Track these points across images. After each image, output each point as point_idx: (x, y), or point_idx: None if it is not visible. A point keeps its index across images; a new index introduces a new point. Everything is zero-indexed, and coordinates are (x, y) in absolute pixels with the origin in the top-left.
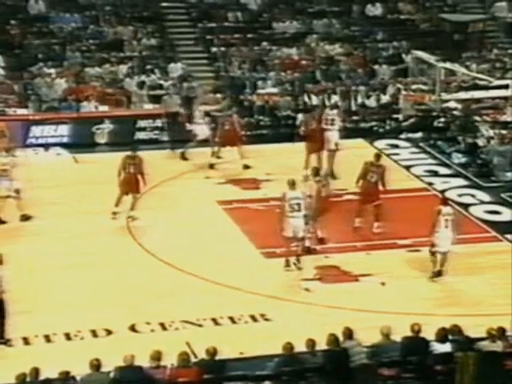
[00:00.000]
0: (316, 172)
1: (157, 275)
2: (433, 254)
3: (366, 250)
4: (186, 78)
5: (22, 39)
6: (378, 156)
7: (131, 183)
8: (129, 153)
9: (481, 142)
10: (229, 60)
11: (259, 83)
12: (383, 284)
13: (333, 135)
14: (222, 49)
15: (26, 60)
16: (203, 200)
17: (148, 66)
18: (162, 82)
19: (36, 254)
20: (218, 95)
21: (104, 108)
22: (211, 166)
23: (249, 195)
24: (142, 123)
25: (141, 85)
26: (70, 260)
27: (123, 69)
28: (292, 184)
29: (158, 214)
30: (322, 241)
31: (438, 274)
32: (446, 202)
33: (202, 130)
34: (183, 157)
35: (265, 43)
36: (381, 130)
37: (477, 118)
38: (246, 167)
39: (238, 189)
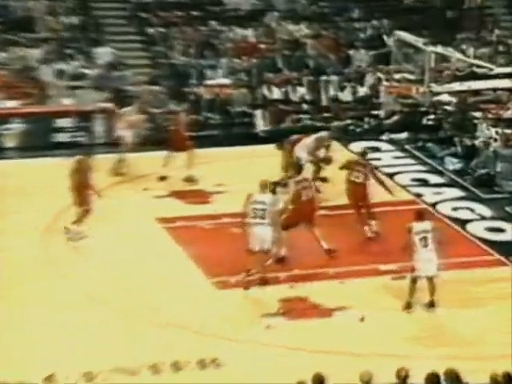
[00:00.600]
0: (298, 170)
1: (82, 314)
2: (413, 280)
3: (340, 277)
4: (116, 65)
5: None
6: (364, 153)
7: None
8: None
9: (480, 143)
10: (169, 44)
11: (207, 72)
12: (362, 319)
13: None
14: (161, 30)
15: None
16: (139, 217)
17: (68, 51)
18: (85, 70)
19: None
20: (155, 87)
21: (12, 103)
22: (162, 179)
23: (196, 211)
24: (60, 122)
25: (59, 74)
26: None
27: (36, 54)
28: (264, 187)
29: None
30: (281, 260)
31: (430, 304)
32: (420, 216)
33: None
34: (117, 172)
35: (214, 23)
36: (358, 130)
37: (475, 115)
38: (190, 180)
39: (183, 203)
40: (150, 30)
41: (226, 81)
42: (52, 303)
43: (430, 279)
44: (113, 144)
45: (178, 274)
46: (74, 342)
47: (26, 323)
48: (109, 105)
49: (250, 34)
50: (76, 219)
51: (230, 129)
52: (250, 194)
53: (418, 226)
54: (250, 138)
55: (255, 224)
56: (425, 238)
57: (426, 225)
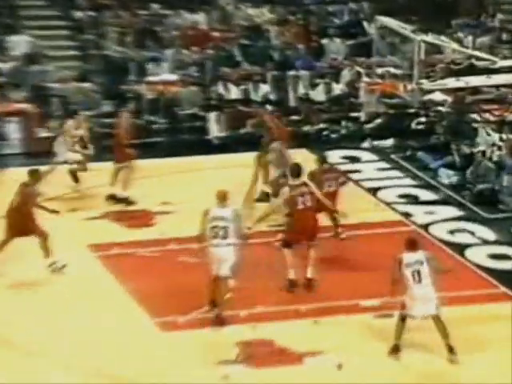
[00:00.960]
0: (297, 172)
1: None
2: (403, 319)
3: (314, 315)
4: (36, 58)
5: None
6: (322, 158)
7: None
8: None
9: (481, 152)
10: (102, 31)
11: (149, 66)
12: (340, 367)
13: None
14: (91, 14)
15: None
16: (68, 244)
17: None
18: None
19: None
20: (86, 85)
21: None
22: (111, 198)
23: (137, 236)
24: None
25: None
26: None
27: None
28: (222, 198)
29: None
30: (294, 285)
31: (450, 350)
32: (412, 245)
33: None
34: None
35: (156, 5)
36: (333, 136)
37: (474, 117)
38: (112, 198)
39: (121, 226)
40: (78, 14)
41: (173, 77)
42: None
43: (436, 319)
44: (32, 154)
45: (115, 314)
46: None
47: None
48: (27, 106)
49: (201, 19)
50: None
51: (178, 135)
52: (206, 210)
53: (409, 257)
54: (202, 146)
55: (214, 245)
56: (418, 272)
57: (420, 255)
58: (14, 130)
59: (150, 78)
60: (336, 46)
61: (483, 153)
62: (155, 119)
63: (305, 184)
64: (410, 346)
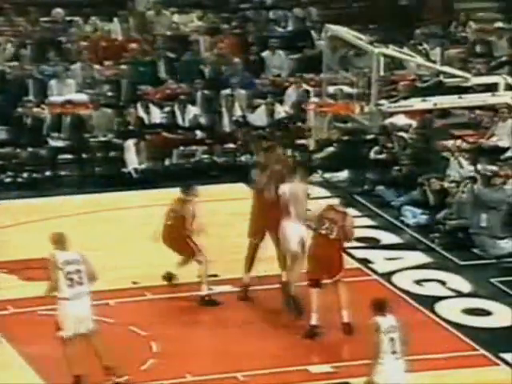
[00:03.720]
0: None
1: None
2: None
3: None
4: None
5: None
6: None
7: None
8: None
9: (453, 186)
10: None
11: (52, 83)
12: None
13: None
14: None
15: None
16: None
17: None
18: None
19: None
20: None
21: None
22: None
23: (35, 290)
24: None
25: None
26: None
27: None
28: (58, 241)
29: None
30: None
31: None
32: (383, 307)
33: None
34: None
35: (59, 10)
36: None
37: (445, 144)
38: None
39: (17, 279)
40: None
41: (81, 96)
42: None
43: None
44: None
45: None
46: None
47: None
48: None
49: (115, 27)
50: None
51: (88, 168)
52: (51, 254)
53: (384, 321)
54: (118, 180)
55: (71, 297)
56: (392, 340)
57: (392, 320)
58: None
59: (53, 99)
60: (279, 60)
61: (457, 186)
62: (60, 148)
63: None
64: None
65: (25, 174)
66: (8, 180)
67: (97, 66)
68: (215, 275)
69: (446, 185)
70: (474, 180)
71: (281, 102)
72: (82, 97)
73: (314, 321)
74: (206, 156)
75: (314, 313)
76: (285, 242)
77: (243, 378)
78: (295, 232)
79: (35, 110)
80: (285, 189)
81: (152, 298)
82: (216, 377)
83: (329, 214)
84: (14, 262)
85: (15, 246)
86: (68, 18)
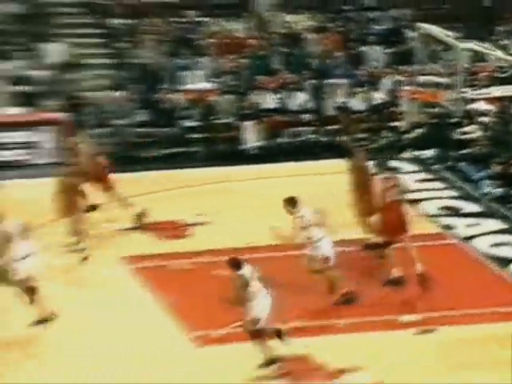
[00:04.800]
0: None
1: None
2: None
3: (352, 330)
4: (70, 66)
5: None
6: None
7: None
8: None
9: None
10: (137, 39)
11: (184, 74)
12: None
13: None
14: (126, 22)
15: None
16: (102, 256)
17: (8, 48)
18: (30, 72)
19: None
20: (119, 93)
21: None
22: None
23: (171, 247)
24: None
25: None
26: None
27: None
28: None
29: None
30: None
31: None
32: None
33: None
34: None
35: (191, 12)
36: (372, 146)
37: None
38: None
39: (154, 238)
40: (113, 22)
41: (208, 85)
42: None
43: None
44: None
45: (148, 328)
46: None
47: None
48: (60, 115)
49: (238, 27)
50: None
51: (212, 145)
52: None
53: None
54: (236, 156)
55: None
56: None
57: None
58: (46, 139)
59: (186, 87)
60: (376, 54)
61: None
62: (190, 128)
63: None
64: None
65: (162, 150)
66: (148, 155)
67: (221, 59)
68: None
69: None
70: None
71: (376, 90)
72: (209, 85)
73: (396, 273)
74: (311, 136)
75: (395, 267)
76: None
77: (344, 324)
78: None
79: (170, 96)
80: None
81: None
82: (320, 323)
83: (390, 183)
84: (158, 223)
85: (157, 211)
86: (198, 19)
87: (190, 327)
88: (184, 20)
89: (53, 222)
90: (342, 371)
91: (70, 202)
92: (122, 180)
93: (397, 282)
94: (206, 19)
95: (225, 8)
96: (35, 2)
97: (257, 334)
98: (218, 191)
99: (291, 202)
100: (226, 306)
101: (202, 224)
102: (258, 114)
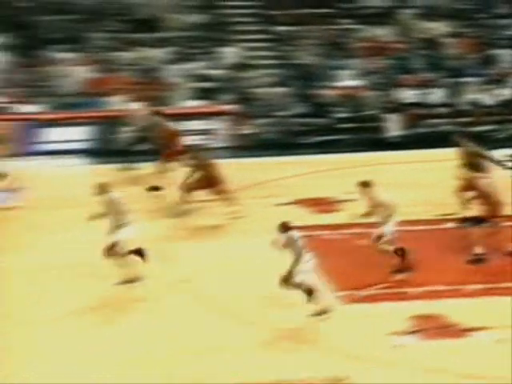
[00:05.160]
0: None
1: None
2: None
3: (479, 295)
4: (243, 66)
5: (29, 15)
6: None
7: None
8: None
9: None
10: (297, 43)
11: (337, 73)
12: (499, 341)
13: None
14: (289, 28)
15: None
16: (260, 227)
17: (192, 51)
18: (210, 71)
19: None
20: (281, 89)
21: (135, 105)
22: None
23: (322, 220)
24: (185, 125)
25: (183, 75)
26: None
27: (159, 54)
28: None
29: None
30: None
31: None
32: None
33: None
34: None
35: (344, 20)
36: (500, 136)
37: None
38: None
39: (307, 212)
40: (278, 29)
41: (357, 82)
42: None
43: None
44: (238, 148)
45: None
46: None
47: None
48: (233, 107)
49: (382, 32)
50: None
51: (359, 133)
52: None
53: None
54: (378, 143)
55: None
56: None
57: None
58: (221, 127)
59: (338, 84)
60: (505, 56)
61: None
62: (341, 119)
63: None
64: None
65: (316, 138)
66: (305, 141)
67: (369, 61)
68: None
69: None
70: None
71: (505, 87)
72: (358, 83)
73: (478, 250)
74: (446, 127)
75: (477, 245)
76: None
77: (472, 290)
78: None
79: (324, 91)
80: None
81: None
82: (454, 287)
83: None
84: (308, 199)
85: (311, 189)
86: (350, 26)
87: (341, 286)
88: (337, 27)
89: None
90: (471, 329)
91: None
92: (283, 163)
93: (479, 260)
94: (357, 26)
95: (374, 17)
96: (215, 12)
97: None
98: (364, 173)
99: (364, 184)
100: (372, 269)
101: (350, 201)
102: (399, 108)
